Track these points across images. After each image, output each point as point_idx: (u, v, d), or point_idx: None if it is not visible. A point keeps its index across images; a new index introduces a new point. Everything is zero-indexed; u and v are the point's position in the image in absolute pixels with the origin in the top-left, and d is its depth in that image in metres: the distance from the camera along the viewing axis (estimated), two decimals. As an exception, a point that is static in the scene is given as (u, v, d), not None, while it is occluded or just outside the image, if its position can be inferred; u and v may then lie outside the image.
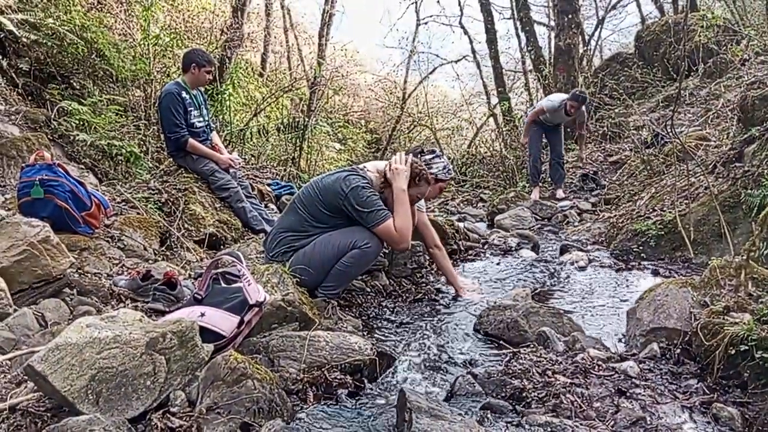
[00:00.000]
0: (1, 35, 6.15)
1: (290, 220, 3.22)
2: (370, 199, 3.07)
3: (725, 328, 2.38)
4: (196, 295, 2.50)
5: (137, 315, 2.10)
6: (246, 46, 13.11)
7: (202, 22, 11.58)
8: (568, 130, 8.02)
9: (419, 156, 3.66)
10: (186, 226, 4.41)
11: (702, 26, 10.05)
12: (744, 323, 2.34)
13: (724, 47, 9.61)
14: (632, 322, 2.88)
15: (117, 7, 9.37)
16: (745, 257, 2.84)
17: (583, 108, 7.32)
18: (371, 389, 2.27)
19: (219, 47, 9.93)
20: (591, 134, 10.07)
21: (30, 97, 6.41)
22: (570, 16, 10.28)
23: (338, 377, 2.22)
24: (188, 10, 11.26)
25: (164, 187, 4.75)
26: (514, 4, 14.62)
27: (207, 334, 2.20)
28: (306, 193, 3.22)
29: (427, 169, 3.43)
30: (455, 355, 2.69)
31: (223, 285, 2.61)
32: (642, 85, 11.11)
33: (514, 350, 2.65)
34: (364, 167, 3.36)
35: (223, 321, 2.30)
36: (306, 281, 2.99)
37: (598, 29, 15.67)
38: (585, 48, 13.98)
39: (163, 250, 4.06)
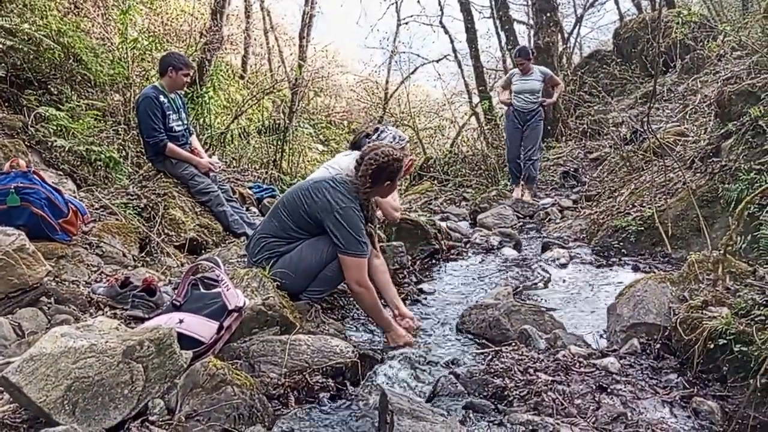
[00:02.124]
0: (-25, 41, 6.06)
1: (273, 225, 3.12)
2: (357, 226, 2.90)
3: (704, 322, 2.40)
4: (174, 301, 2.48)
5: (114, 323, 2.08)
6: (226, 49, 13.03)
7: (181, 25, 11.49)
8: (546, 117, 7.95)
9: (366, 140, 3.69)
10: (166, 231, 4.36)
11: (678, 23, 10.15)
12: (722, 317, 2.37)
13: (701, 43, 9.72)
14: (612, 318, 2.91)
15: (94, 11, 9.27)
16: (722, 252, 2.87)
17: (535, 66, 7.42)
18: (353, 392, 2.27)
19: (198, 50, 9.85)
20: (571, 131, 10.14)
21: (6, 104, 6.31)
22: (548, 15, 10.33)
23: (320, 380, 2.21)
24: (167, 14, 11.18)
25: (143, 192, 4.70)
26: (493, 3, 14.67)
27: (186, 340, 2.18)
28: (290, 200, 3.09)
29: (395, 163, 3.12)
30: (437, 355, 2.69)
31: (202, 290, 2.58)
32: (621, 81, 11.21)
33: (496, 349, 2.66)
34: (339, 173, 3.33)
35: (202, 327, 2.28)
36: (290, 286, 2.94)
37: (577, 27, 15.82)
38: (564, 46, 14.08)
39: (142, 256, 4.02)
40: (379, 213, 3.87)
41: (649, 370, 2.44)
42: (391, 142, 3.77)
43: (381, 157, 2.91)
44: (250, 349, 2.31)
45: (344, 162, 3.65)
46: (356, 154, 3.70)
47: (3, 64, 6.33)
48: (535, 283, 3.89)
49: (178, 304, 2.46)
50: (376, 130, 3.89)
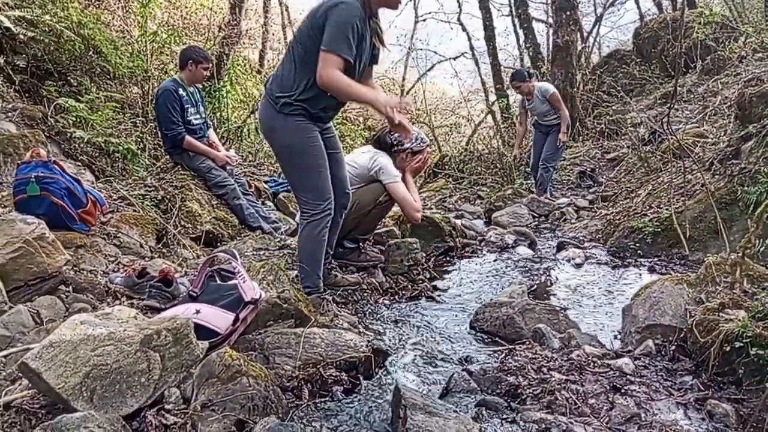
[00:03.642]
0: (-2, 32, 6.14)
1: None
2: (346, 29, 2.72)
3: (720, 325, 2.38)
4: (191, 292, 2.50)
5: (132, 312, 2.10)
6: (244, 43, 13.07)
7: (200, 19, 11.56)
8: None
9: (389, 137, 3.74)
10: (182, 223, 4.40)
11: (700, 23, 10.05)
12: (739, 320, 2.34)
13: (722, 44, 9.62)
14: (628, 319, 2.89)
15: (114, 4, 9.35)
16: (740, 254, 2.84)
17: (533, 83, 7.06)
18: (366, 386, 2.27)
19: (217, 44, 9.91)
20: (589, 131, 10.07)
21: (27, 94, 6.39)
22: (568, 13, 10.26)
23: (333, 374, 2.22)
24: (186, 7, 11.25)
25: (161, 184, 4.74)
26: (512, 1, 14.61)
27: (202, 331, 2.20)
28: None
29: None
30: (451, 351, 2.69)
31: (219, 282, 2.61)
32: (640, 82, 11.12)
33: (510, 347, 2.65)
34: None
35: (219, 318, 2.30)
36: None
37: (597, 26, 15.70)
38: (583, 45, 13.99)
39: (159, 248, 4.06)
40: (396, 208, 3.88)
41: (664, 371, 2.42)
42: (413, 142, 3.79)
43: None
44: (265, 341, 2.32)
45: (362, 159, 3.66)
46: (374, 151, 3.72)
47: (24, 55, 6.41)
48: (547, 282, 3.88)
49: (195, 295, 2.48)
50: None
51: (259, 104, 3.07)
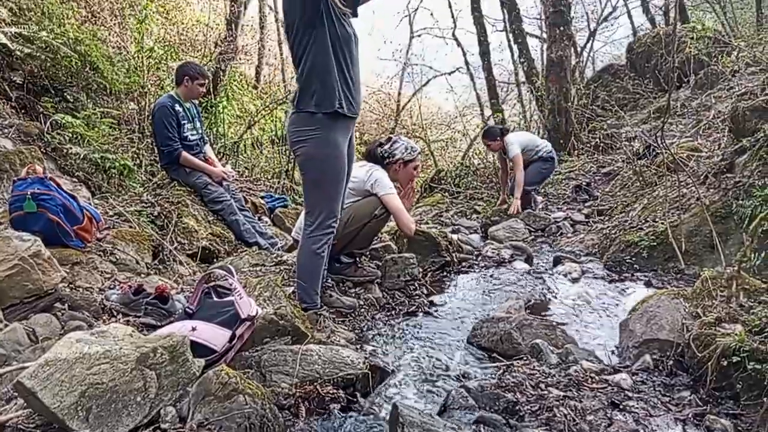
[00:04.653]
0: (-5, 49, 6.15)
1: None
2: None
3: (717, 339, 2.38)
4: (187, 309, 2.49)
5: (128, 330, 2.09)
6: (240, 59, 13.13)
7: (197, 35, 11.62)
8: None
9: (379, 149, 3.79)
10: (179, 239, 4.40)
11: (692, 38, 10.14)
12: (736, 334, 2.35)
13: (715, 59, 9.69)
14: (625, 334, 2.89)
15: (111, 20, 9.40)
16: (736, 268, 2.85)
17: (506, 138, 6.91)
18: (364, 403, 2.26)
19: (213, 60, 9.95)
20: (584, 145, 10.11)
21: (23, 111, 6.40)
22: (561, 29, 10.34)
23: (331, 391, 2.21)
24: (182, 23, 11.31)
25: (157, 200, 4.74)
26: (506, 16, 14.72)
27: (198, 348, 2.19)
28: None
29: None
30: (448, 368, 2.68)
31: (215, 299, 2.60)
32: (634, 96, 11.19)
33: (508, 363, 2.65)
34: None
35: (215, 335, 2.29)
36: None
37: (590, 41, 15.81)
38: (577, 60, 14.09)
39: (155, 264, 4.04)
40: (392, 223, 3.89)
41: (662, 386, 2.42)
42: (404, 153, 3.83)
43: None
44: (261, 358, 2.31)
45: (359, 172, 3.67)
46: (370, 165, 3.73)
47: (20, 71, 6.42)
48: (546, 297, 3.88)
49: (191, 312, 2.47)
50: (389, 139, 3.95)
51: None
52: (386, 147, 3.85)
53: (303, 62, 2.89)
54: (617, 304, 3.65)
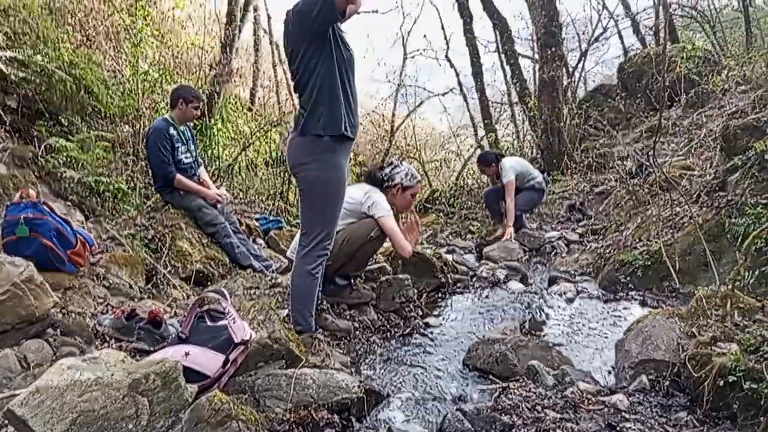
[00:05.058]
0: (-11, 73, 6.16)
1: None
2: None
3: (713, 359, 2.38)
4: (180, 334, 2.48)
5: (120, 356, 2.07)
6: (235, 81, 13.18)
7: (191, 58, 11.66)
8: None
9: (380, 173, 3.83)
10: (173, 262, 4.38)
11: (683, 57, 10.25)
12: (731, 354, 2.35)
13: (706, 78, 9.79)
14: (621, 354, 2.88)
15: (106, 44, 9.43)
16: (730, 287, 2.86)
17: (501, 163, 6.81)
18: (359, 428, 2.24)
19: (208, 83, 9.99)
20: (577, 164, 10.16)
21: (17, 135, 6.39)
22: (553, 49, 10.44)
23: (325, 416, 2.19)
24: (177, 46, 11.34)
25: (151, 223, 4.73)
26: (498, 38, 14.86)
27: (191, 374, 2.17)
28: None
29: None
30: (444, 391, 2.67)
31: (209, 323, 2.58)
32: (626, 115, 11.26)
33: (504, 385, 2.63)
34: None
35: (208, 360, 2.27)
36: None
37: (582, 61, 15.91)
38: (569, 80, 14.20)
39: (149, 288, 4.02)
40: (387, 244, 3.88)
41: (659, 407, 2.41)
42: (403, 178, 3.83)
43: None
44: (255, 383, 2.30)
45: (357, 194, 3.68)
46: (369, 187, 3.75)
47: (15, 95, 6.43)
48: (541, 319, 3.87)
49: (184, 336, 2.45)
50: (391, 163, 3.97)
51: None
52: (387, 170, 3.87)
53: (310, 87, 2.92)
54: (612, 324, 3.64)
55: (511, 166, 6.89)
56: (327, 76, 2.90)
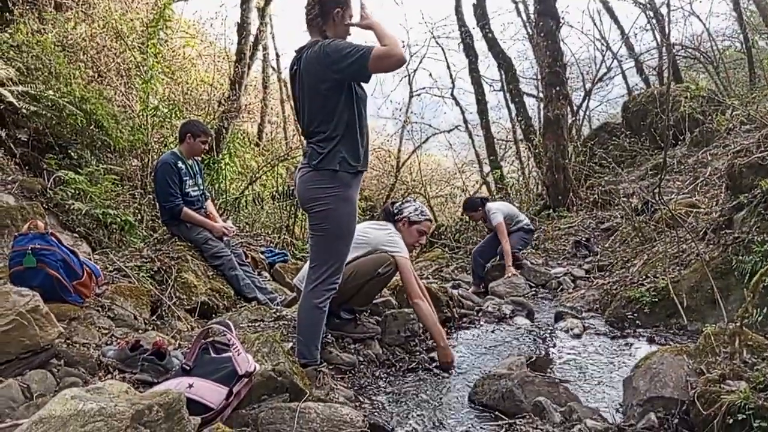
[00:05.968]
0: (1, 106, 6.28)
1: None
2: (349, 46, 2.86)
3: (722, 396, 2.34)
4: (184, 365, 2.46)
5: (124, 386, 2.06)
6: (243, 117, 13.37)
7: (201, 95, 11.85)
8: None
9: (390, 208, 3.94)
10: (178, 294, 4.38)
11: (686, 97, 10.34)
12: (740, 392, 2.31)
13: (710, 117, 9.86)
14: (629, 392, 2.84)
15: (117, 80, 9.62)
16: (738, 324, 2.83)
17: (486, 207, 6.81)
18: (363, 463, 2.21)
19: (217, 118, 10.13)
20: (582, 201, 10.18)
21: (27, 167, 6.48)
22: (558, 88, 10.57)
23: (329, 451, 2.17)
24: (187, 83, 11.55)
25: (157, 255, 4.74)
26: (503, 77, 15.07)
27: (195, 405, 2.16)
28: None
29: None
30: (449, 426, 2.63)
31: (213, 355, 2.57)
32: (630, 153, 11.32)
33: (510, 422, 2.60)
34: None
35: (212, 392, 2.26)
36: None
37: (586, 100, 16.10)
38: (573, 118, 14.33)
39: (153, 320, 4.01)
40: (397, 277, 3.86)
41: (668, 446, 2.37)
42: (411, 212, 3.86)
43: None
44: (258, 416, 2.27)
45: (377, 233, 3.73)
46: (391, 227, 3.79)
47: (26, 129, 6.54)
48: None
49: (189, 368, 2.44)
50: (406, 200, 4.06)
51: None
52: (398, 204, 3.95)
53: (334, 123, 2.97)
54: (620, 361, 3.60)
55: (498, 207, 6.91)
56: (348, 113, 2.97)
